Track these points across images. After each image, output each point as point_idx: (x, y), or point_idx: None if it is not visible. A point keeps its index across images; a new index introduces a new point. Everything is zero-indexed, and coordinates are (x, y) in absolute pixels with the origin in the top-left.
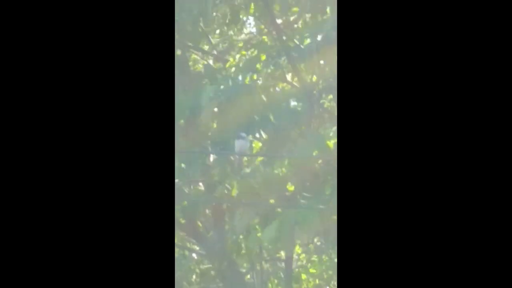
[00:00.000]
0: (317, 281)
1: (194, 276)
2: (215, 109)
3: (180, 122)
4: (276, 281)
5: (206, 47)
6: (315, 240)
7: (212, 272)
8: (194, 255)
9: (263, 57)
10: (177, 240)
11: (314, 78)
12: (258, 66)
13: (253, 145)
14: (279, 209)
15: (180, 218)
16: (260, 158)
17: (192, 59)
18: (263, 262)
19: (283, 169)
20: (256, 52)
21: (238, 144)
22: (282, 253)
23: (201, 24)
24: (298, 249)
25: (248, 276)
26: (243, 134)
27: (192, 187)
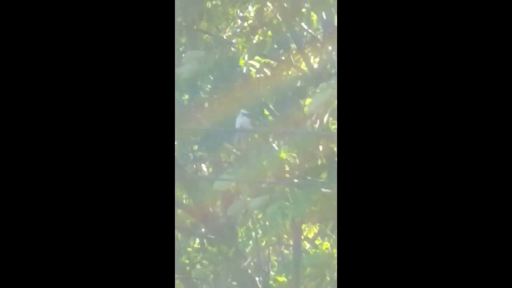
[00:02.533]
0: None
1: (199, 258)
2: (219, 92)
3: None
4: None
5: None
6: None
7: (219, 257)
8: (204, 240)
9: (268, 46)
10: (184, 224)
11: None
12: (265, 51)
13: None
14: (285, 189)
15: (188, 201)
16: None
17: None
18: (270, 247)
19: (287, 149)
20: (263, 34)
21: (239, 121)
22: (288, 237)
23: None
24: (307, 233)
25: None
26: (245, 112)
27: (199, 168)
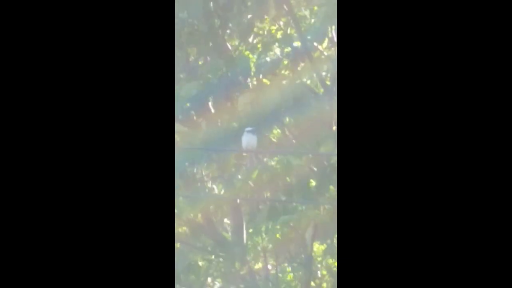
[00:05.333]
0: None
1: (210, 279)
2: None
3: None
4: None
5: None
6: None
7: (230, 274)
8: (213, 256)
9: (285, 62)
10: (194, 241)
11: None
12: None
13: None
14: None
15: (198, 218)
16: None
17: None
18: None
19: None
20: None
21: (245, 139)
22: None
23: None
24: (318, 248)
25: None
26: (250, 129)
27: (209, 185)
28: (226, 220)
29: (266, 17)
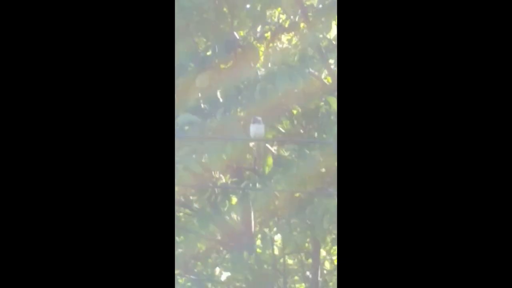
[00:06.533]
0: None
1: (218, 270)
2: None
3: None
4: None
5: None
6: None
7: (239, 267)
8: (221, 248)
9: (295, 57)
10: (205, 233)
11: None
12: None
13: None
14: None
15: (206, 207)
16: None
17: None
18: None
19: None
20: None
21: (253, 128)
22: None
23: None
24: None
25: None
26: (258, 118)
27: (218, 176)
28: (234, 209)
29: (274, 6)
